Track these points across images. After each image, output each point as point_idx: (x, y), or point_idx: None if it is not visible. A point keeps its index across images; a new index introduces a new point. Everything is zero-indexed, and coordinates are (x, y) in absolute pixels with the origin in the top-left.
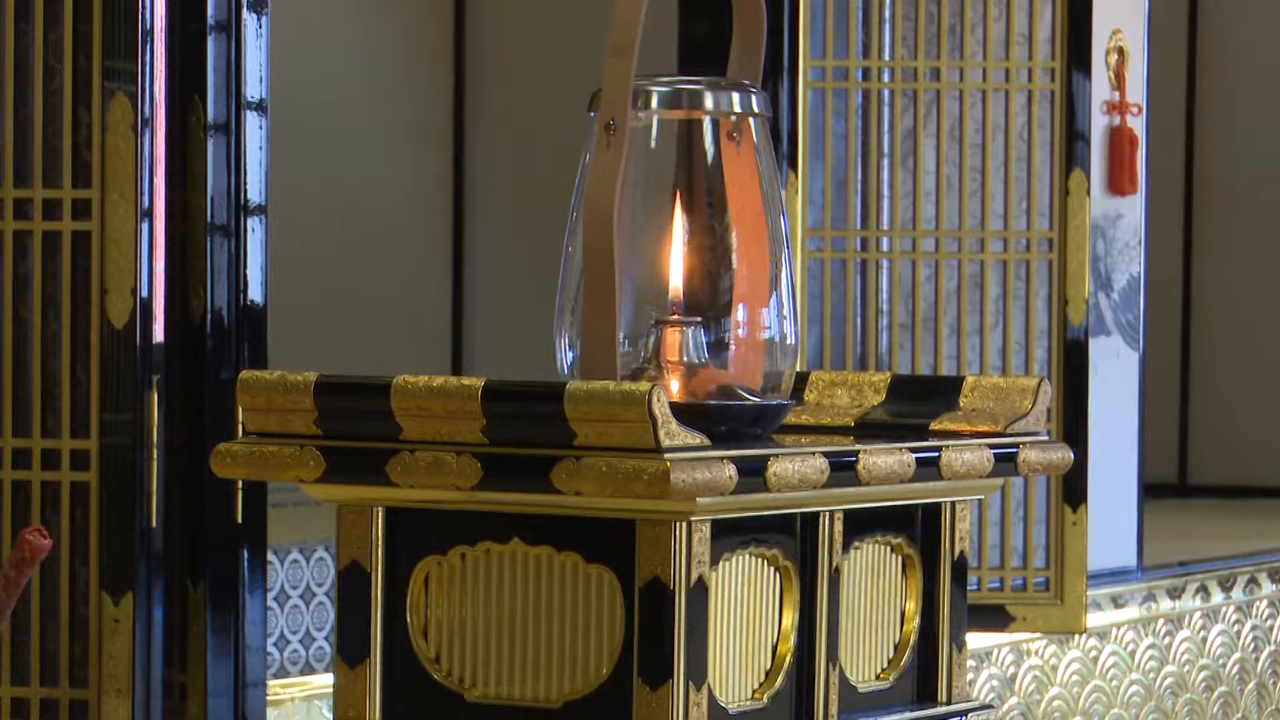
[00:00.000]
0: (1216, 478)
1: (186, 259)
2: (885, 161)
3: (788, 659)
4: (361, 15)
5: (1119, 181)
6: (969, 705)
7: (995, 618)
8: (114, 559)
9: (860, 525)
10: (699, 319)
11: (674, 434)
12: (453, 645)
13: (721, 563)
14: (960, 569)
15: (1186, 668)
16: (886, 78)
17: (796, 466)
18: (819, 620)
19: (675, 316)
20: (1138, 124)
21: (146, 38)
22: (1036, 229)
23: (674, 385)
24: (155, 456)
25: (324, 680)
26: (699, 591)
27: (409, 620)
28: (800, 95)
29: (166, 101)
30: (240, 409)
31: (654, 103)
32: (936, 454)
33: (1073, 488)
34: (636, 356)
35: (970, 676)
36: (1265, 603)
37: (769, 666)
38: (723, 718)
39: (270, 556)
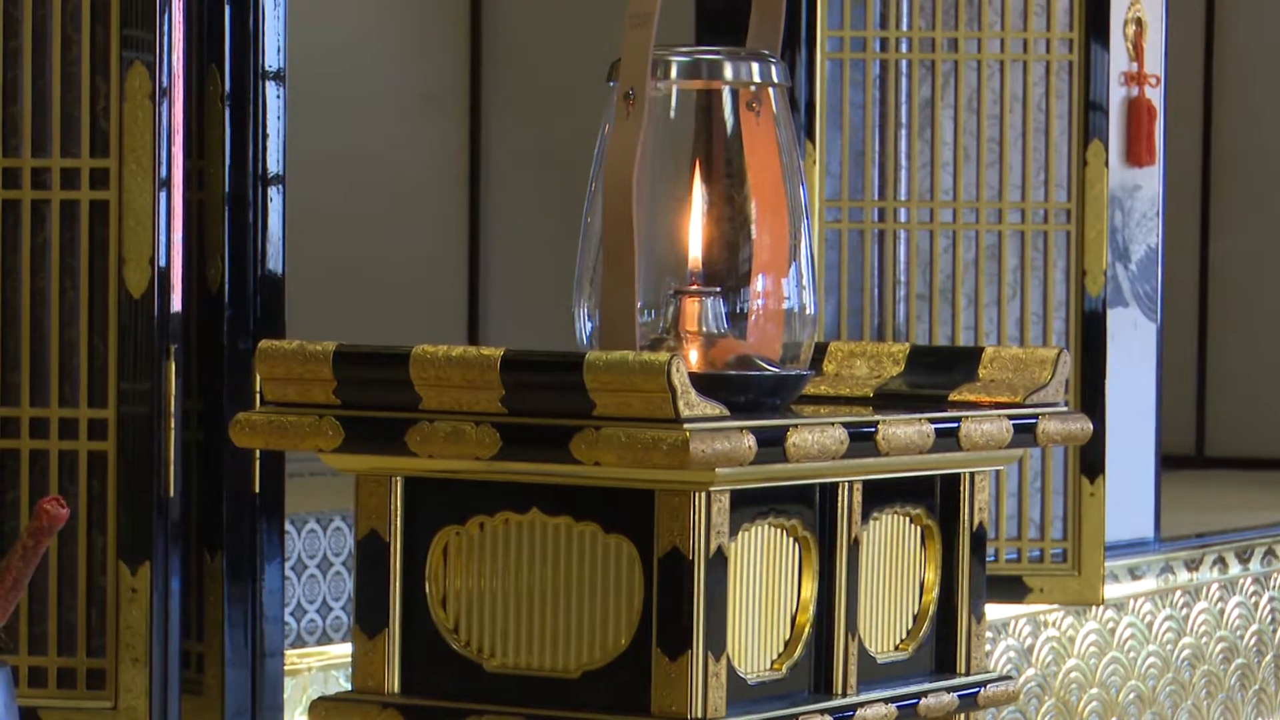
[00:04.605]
0: (1233, 449)
1: (204, 229)
2: (903, 132)
3: (807, 629)
4: None
5: (1137, 153)
6: (987, 676)
7: (1013, 589)
8: (131, 529)
9: (879, 496)
10: (718, 289)
11: (693, 404)
12: (471, 615)
13: (741, 533)
14: (979, 540)
15: (1204, 639)
16: (904, 48)
17: (816, 437)
18: (838, 591)
19: (694, 287)
20: (1156, 95)
21: (164, 7)
22: (1054, 200)
23: (693, 355)
24: (173, 426)
25: (341, 650)
26: (718, 562)
27: (427, 590)
28: (818, 66)
29: (184, 71)
30: (259, 378)
31: (673, 72)
32: (955, 425)
33: (1090, 459)
34: (655, 327)
35: (988, 648)
36: None
37: (788, 637)
38: (742, 688)
39: (287, 526)
